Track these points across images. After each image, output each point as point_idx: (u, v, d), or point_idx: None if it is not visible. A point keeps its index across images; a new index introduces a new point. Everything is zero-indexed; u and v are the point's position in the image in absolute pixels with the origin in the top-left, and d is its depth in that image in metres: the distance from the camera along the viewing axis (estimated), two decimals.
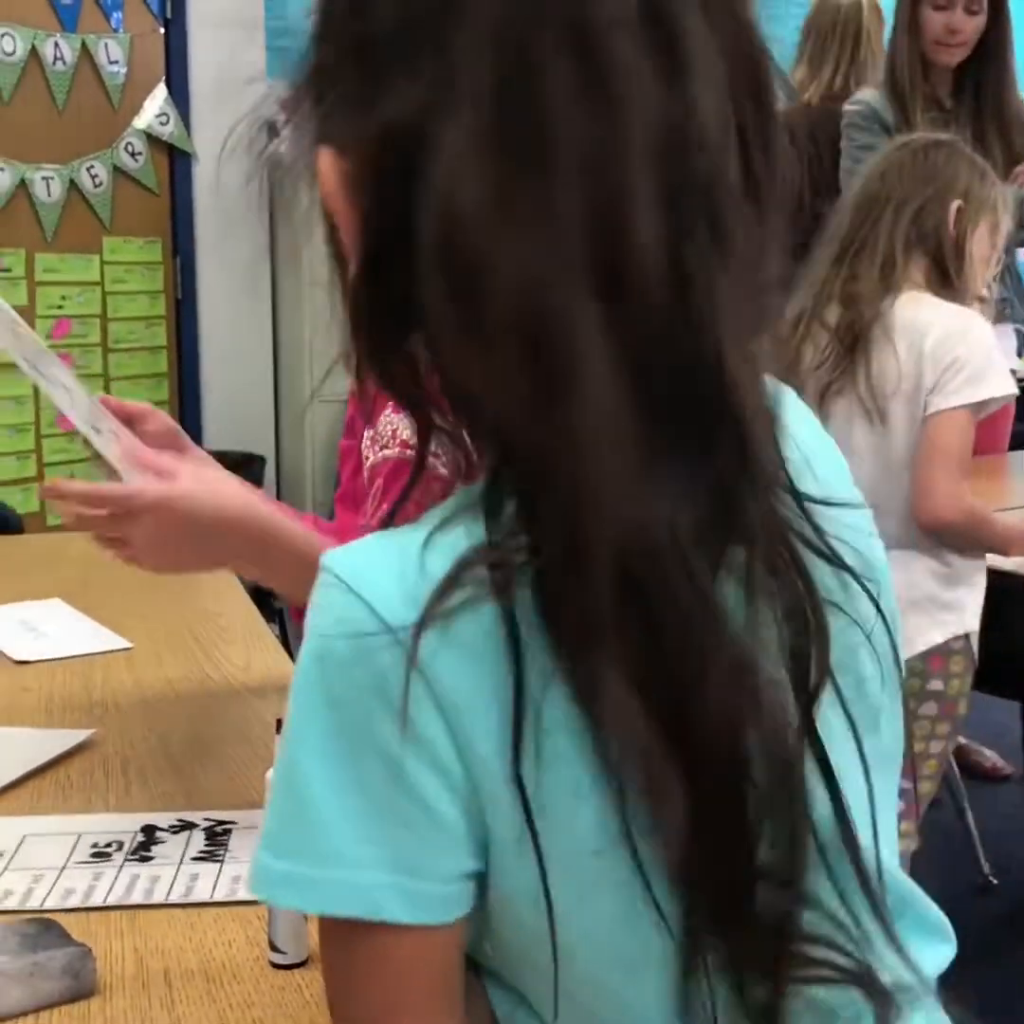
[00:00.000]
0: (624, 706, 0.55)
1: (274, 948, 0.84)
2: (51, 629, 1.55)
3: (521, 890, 0.59)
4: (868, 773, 0.63)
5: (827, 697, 0.60)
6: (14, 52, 3.89)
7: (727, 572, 0.57)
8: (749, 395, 0.57)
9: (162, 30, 4.25)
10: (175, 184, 4.33)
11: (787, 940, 0.59)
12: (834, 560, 0.61)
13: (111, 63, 4.14)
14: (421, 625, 0.55)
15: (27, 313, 3.95)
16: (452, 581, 0.56)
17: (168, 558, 1.12)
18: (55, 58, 4.00)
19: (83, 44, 4.05)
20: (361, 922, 0.58)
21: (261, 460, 4.37)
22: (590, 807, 0.57)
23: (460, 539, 0.57)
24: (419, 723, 0.56)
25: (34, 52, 3.94)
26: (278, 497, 4.51)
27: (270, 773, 0.78)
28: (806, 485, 0.61)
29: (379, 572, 0.58)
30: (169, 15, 4.25)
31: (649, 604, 0.55)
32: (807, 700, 0.59)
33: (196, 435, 4.41)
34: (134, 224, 4.24)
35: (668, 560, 0.55)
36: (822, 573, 0.61)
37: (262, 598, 1.80)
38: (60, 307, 4.06)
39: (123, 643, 1.50)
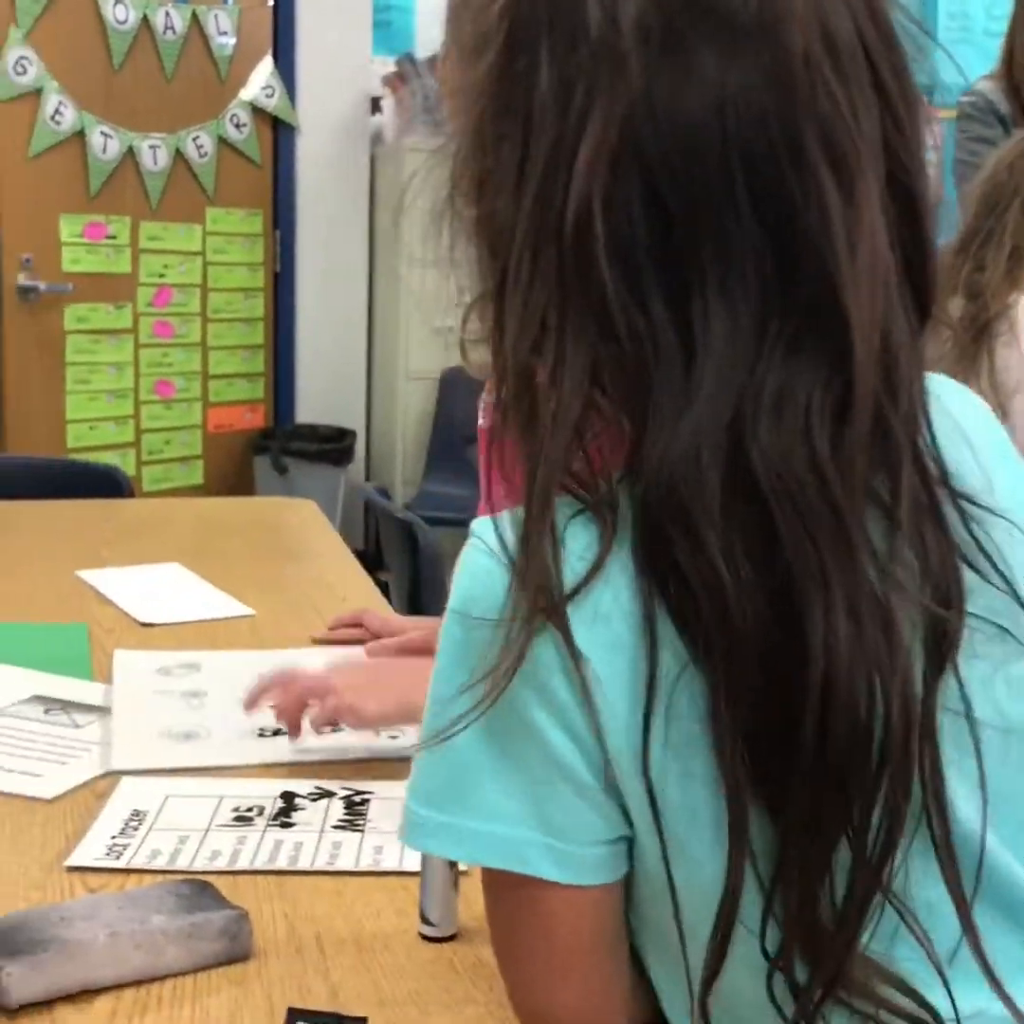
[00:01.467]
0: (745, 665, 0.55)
1: (425, 920, 0.84)
2: (172, 593, 1.56)
3: (651, 867, 0.60)
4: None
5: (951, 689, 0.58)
6: (126, 21, 3.92)
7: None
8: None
9: (270, 3, 4.26)
10: (278, 156, 4.35)
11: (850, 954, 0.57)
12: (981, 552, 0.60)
13: (220, 34, 4.16)
14: (567, 596, 0.57)
15: (130, 281, 4.00)
16: (599, 558, 0.57)
17: (370, 693, 1.10)
18: (165, 27, 4.02)
19: (193, 14, 4.07)
20: (514, 875, 0.60)
21: (352, 434, 4.39)
22: (709, 796, 0.57)
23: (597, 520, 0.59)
24: (557, 690, 0.58)
25: (145, 21, 3.96)
26: (367, 471, 4.53)
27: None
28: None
29: None
30: None
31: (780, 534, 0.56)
32: (936, 671, 0.57)
33: (289, 408, 4.45)
34: (236, 195, 4.26)
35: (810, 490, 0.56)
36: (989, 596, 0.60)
37: (370, 572, 1.81)
38: (162, 276, 4.09)
39: (245, 610, 1.51)
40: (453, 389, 4.26)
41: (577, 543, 0.58)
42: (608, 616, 0.58)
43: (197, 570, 1.66)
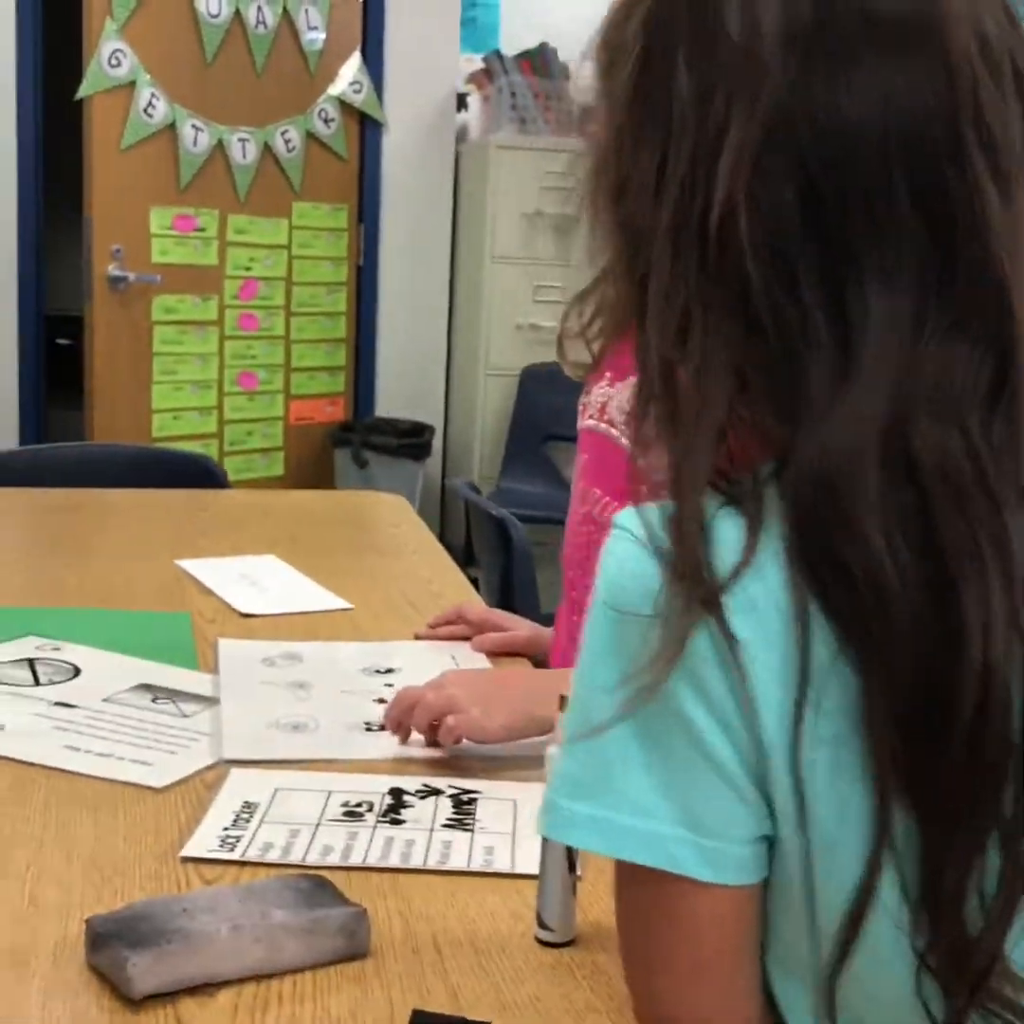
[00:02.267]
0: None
1: (542, 925, 0.83)
2: (271, 584, 1.57)
3: (790, 871, 0.59)
4: None
5: None
6: (219, 14, 3.95)
7: None
8: None
9: None
10: (364, 151, 4.37)
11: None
12: None
13: (310, 29, 4.18)
14: (722, 586, 0.57)
15: (217, 273, 4.03)
16: (750, 550, 0.57)
17: (496, 708, 1.10)
18: (257, 22, 4.05)
19: (284, 8, 4.10)
20: (657, 873, 0.59)
21: (430, 429, 4.40)
22: (857, 790, 0.57)
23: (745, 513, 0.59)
24: (712, 682, 0.57)
25: (238, 15, 3.99)
26: (444, 467, 4.54)
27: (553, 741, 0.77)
28: None
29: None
30: None
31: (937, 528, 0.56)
32: None
33: (369, 402, 4.47)
34: (322, 190, 4.28)
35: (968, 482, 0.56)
36: None
37: (460, 568, 1.80)
38: (248, 269, 4.13)
39: (343, 603, 1.51)
40: (533, 386, 4.25)
41: (726, 535, 0.58)
42: (761, 607, 0.57)
43: (292, 562, 1.67)
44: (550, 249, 4.23)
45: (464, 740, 1.09)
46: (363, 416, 4.43)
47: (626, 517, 0.62)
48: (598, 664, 0.60)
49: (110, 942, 0.75)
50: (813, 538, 0.57)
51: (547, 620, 1.44)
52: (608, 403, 1.22)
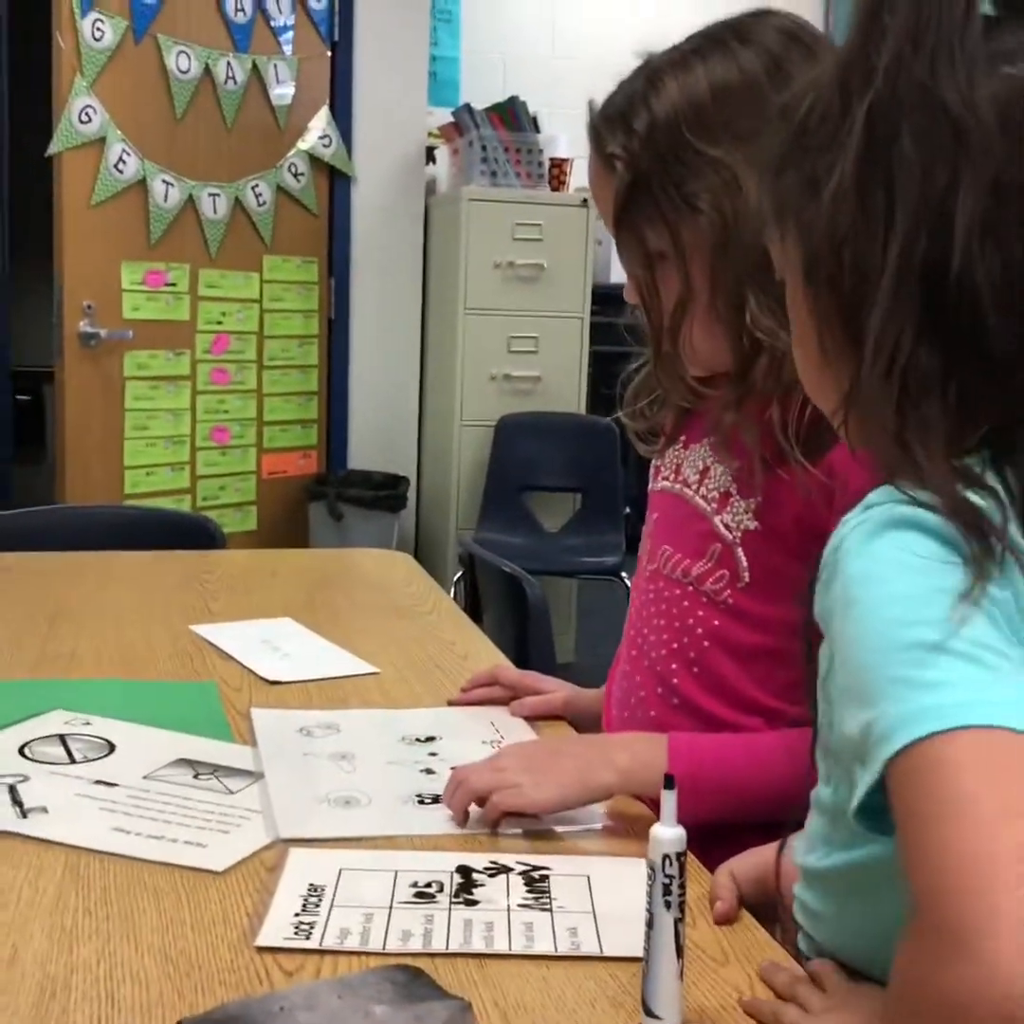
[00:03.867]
0: None
1: (649, 1013, 0.79)
2: (293, 649, 1.53)
3: None
4: None
5: None
6: (189, 70, 3.95)
7: None
8: None
9: (329, 53, 4.28)
10: (334, 205, 4.36)
11: None
12: None
13: (279, 83, 4.18)
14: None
15: (188, 328, 4.00)
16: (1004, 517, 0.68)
17: (547, 778, 1.07)
18: (227, 77, 4.04)
19: (254, 64, 4.10)
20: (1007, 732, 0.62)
21: (406, 481, 4.37)
22: None
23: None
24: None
25: (207, 71, 3.99)
26: (418, 519, 4.50)
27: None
28: None
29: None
30: (336, 39, 4.28)
31: None
32: None
33: (342, 454, 4.43)
34: (293, 244, 4.27)
35: None
36: None
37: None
38: (220, 323, 4.10)
39: (370, 667, 1.47)
40: (509, 435, 4.24)
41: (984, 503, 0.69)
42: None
43: (309, 625, 1.63)
44: (523, 299, 4.24)
45: (515, 814, 1.06)
46: (337, 469, 4.40)
47: (880, 493, 0.70)
48: (911, 586, 0.66)
49: None
50: None
51: (563, 673, 1.43)
52: (682, 465, 1.22)
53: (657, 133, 1.08)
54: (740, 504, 1.14)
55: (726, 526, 1.15)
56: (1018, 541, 0.69)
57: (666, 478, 1.25)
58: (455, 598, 2.31)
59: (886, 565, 0.68)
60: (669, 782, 0.78)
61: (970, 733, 0.62)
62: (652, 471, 1.28)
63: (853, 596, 0.69)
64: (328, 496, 4.16)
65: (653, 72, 1.10)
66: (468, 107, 4.35)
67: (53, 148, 3.65)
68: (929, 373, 0.70)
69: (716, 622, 1.15)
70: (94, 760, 1.16)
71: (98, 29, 3.71)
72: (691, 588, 1.17)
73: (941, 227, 0.69)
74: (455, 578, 3.69)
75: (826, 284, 0.74)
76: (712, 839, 1.00)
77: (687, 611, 1.17)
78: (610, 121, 1.12)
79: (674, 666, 1.18)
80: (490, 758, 1.11)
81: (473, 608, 2.10)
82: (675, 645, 1.18)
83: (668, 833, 0.78)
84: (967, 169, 0.68)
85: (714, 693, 1.15)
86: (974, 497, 0.69)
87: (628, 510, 4.15)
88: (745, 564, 1.14)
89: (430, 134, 4.52)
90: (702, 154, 1.07)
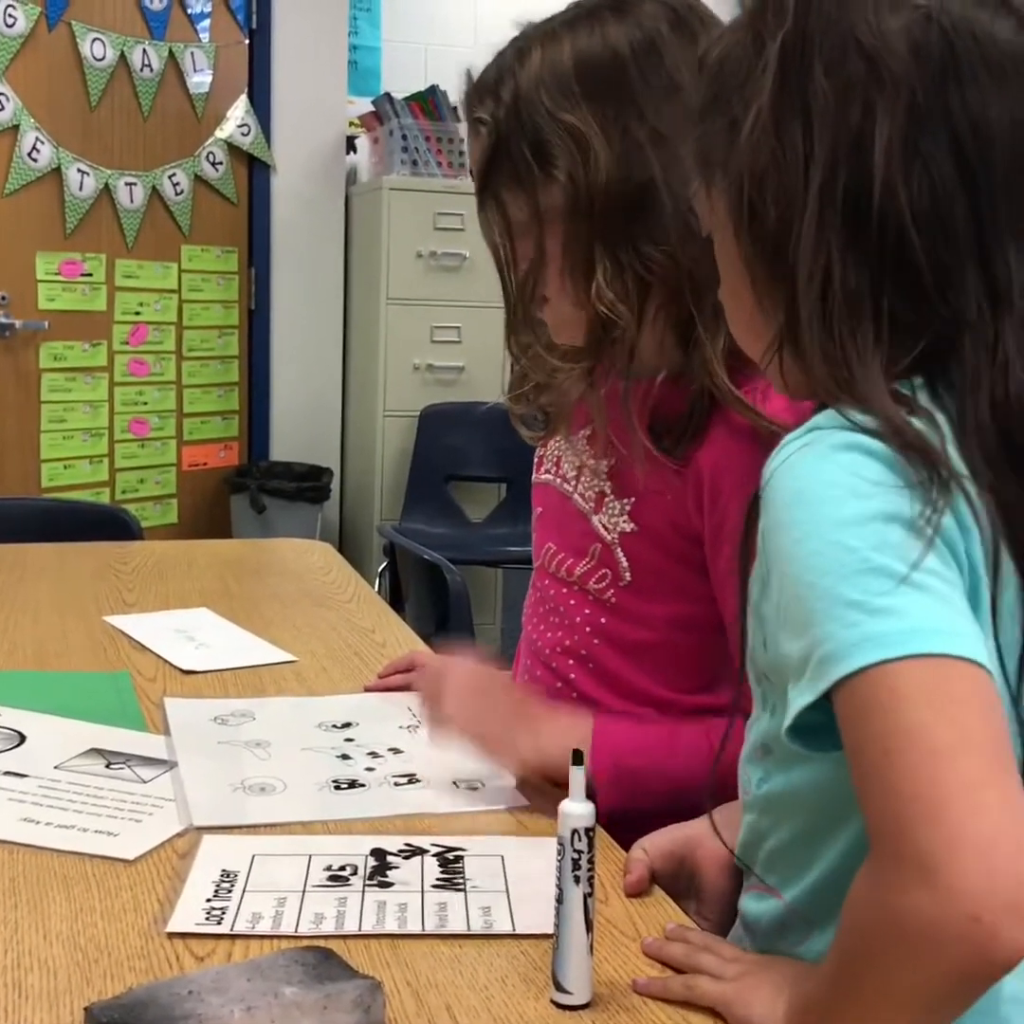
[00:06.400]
0: None
1: (559, 987, 0.80)
2: (210, 639, 1.52)
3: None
4: None
5: None
6: (104, 58, 3.89)
7: None
8: None
9: (247, 42, 4.24)
10: (253, 195, 4.32)
11: None
12: None
13: (196, 72, 4.13)
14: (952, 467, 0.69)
15: (105, 319, 3.94)
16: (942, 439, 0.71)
17: (474, 714, 1.10)
18: (143, 65, 3.99)
19: (170, 52, 4.04)
20: (969, 665, 0.63)
21: (329, 472, 4.35)
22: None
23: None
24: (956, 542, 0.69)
25: (123, 59, 3.93)
26: (342, 510, 4.48)
27: None
28: None
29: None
30: (254, 27, 4.24)
31: None
32: None
33: (264, 446, 4.40)
34: (212, 233, 4.22)
35: None
36: None
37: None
38: (138, 314, 4.04)
39: (287, 656, 1.47)
40: (432, 426, 4.23)
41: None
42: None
43: (226, 614, 1.62)
44: (445, 289, 4.23)
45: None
46: (258, 460, 4.36)
47: (824, 417, 0.71)
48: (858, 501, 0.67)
49: None
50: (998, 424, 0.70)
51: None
52: (562, 458, 1.22)
53: (520, 102, 1.08)
54: (615, 505, 1.14)
55: (604, 527, 1.14)
56: (959, 467, 0.69)
57: (548, 471, 1.24)
58: (379, 590, 2.30)
59: (834, 488, 0.68)
60: (577, 758, 0.79)
61: (922, 662, 0.62)
62: (535, 461, 1.27)
63: (797, 517, 0.68)
64: (250, 488, 4.13)
65: (524, 42, 1.11)
66: (388, 96, 4.33)
67: None
68: (860, 293, 0.72)
69: (603, 620, 1.15)
70: (4, 751, 1.15)
71: (10, 16, 3.64)
72: (576, 587, 1.17)
73: (860, 154, 0.71)
74: (379, 569, 3.68)
75: (753, 222, 0.75)
76: (630, 823, 1.01)
77: (574, 609, 1.17)
78: (480, 90, 1.12)
79: (570, 662, 1.18)
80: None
81: (396, 598, 2.10)
82: (567, 643, 1.18)
83: (577, 808, 0.79)
84: (882, 97, 0.71)
85: (607, 687, 1.15)
86: (916, 422, 0.70)
87: None
88: (626, 564, 1.13)
89: (351, 123, 4.49)
90: (559, 121, 1.06)
